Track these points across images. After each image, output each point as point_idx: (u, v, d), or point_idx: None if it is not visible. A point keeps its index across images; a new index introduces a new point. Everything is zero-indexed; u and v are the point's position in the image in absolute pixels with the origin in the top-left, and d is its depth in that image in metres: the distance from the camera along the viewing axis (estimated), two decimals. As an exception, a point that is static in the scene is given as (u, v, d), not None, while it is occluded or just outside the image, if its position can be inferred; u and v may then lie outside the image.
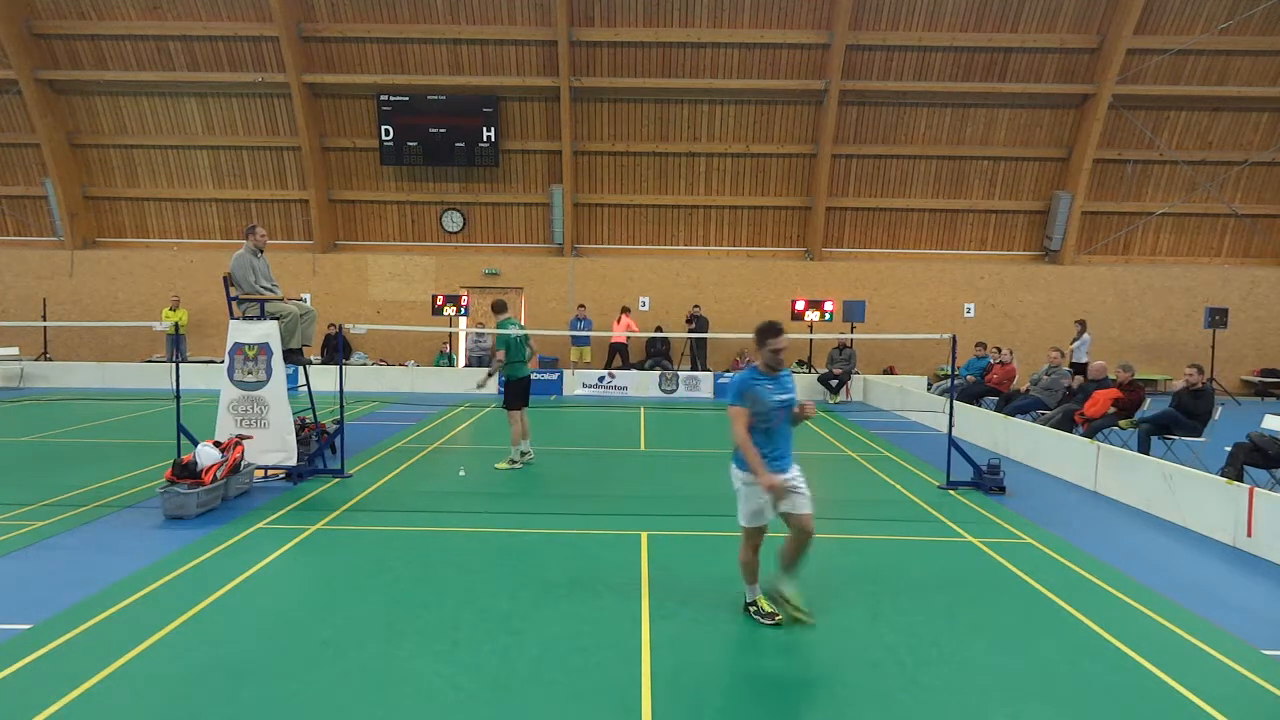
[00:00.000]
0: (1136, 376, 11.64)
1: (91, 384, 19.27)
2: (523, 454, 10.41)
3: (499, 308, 10.46)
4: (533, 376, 10.57)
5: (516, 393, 10.30)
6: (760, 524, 5.25)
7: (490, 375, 10.32)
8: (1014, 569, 6.58)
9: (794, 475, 5.22)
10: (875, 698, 4.36)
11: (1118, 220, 20.96)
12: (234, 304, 9.55)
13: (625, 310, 20.23)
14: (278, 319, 9.42)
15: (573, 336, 19.57)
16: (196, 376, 17.57)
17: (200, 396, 14.74)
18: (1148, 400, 11.52)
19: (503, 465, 10.29)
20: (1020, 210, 21.06)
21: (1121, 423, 10.99)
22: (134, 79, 20.08)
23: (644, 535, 7.30)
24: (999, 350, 15.84)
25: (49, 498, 8.35)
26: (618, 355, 20.17)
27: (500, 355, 10.19)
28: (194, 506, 7.66)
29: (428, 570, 6.36)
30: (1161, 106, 19.88)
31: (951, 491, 9.37)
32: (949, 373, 17.46)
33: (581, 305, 20.39)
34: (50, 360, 20.49)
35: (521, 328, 10.47)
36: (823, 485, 10.22)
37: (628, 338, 20.11)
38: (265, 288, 9.46)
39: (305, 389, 10.27)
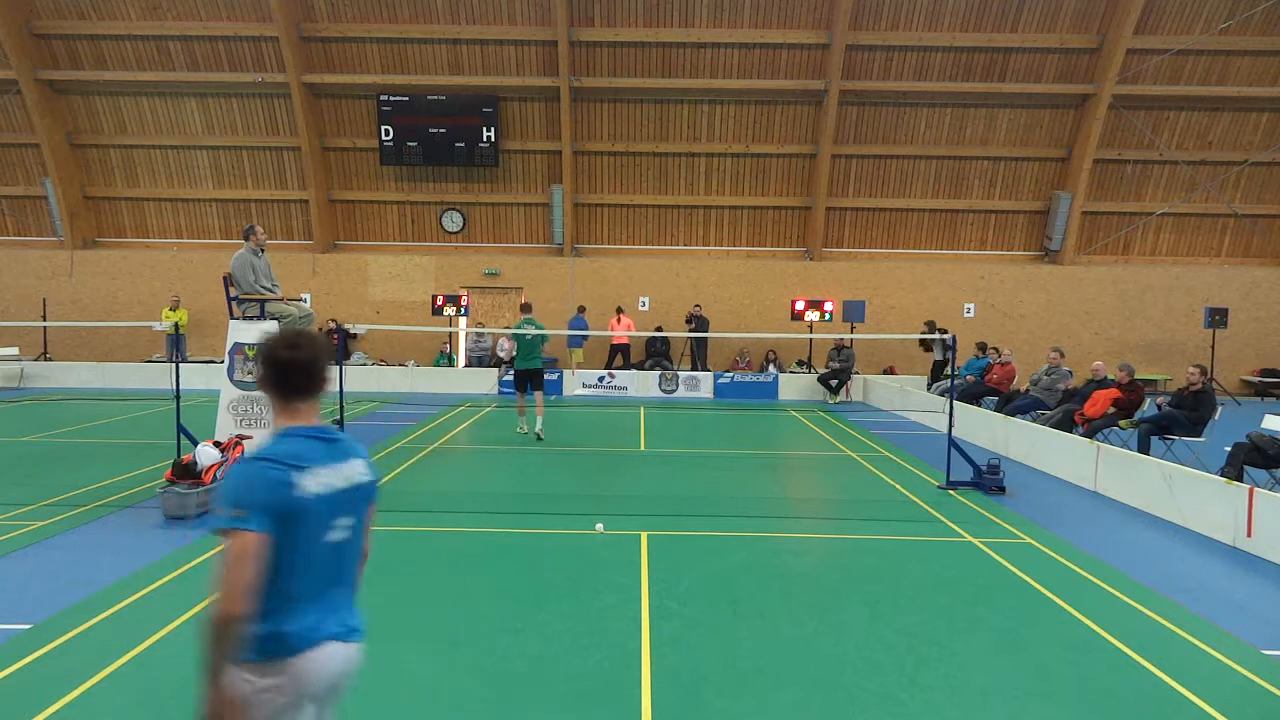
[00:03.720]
0: (1136, 376, 11.64)
1: (91, 384, 19.27)
2: (530, 431, 12.62)
3: (522, 309, 13.02)
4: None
5: (519, 377, 12.73)
6: None
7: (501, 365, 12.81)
8: (1014, 569, 6.58)
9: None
10: (875, 698, 4.36)
11: (1118, 220, 20.96)
12: (234, 304, 9.55)
13: (620, 311, 20.22)
14: (278, 319, 9.43)
15: (569, 338, 19.60)
16: (196, 376, 17.56)
17: (200, 396, 14.73)
18: (1147, 400, 11.52)
19: (518, 429, 12.82)
20: (1020, 210, 21.05)
21: (1121, 423, 10.99)
22: (134, 79, 20.08)
23: (644, 535, 7.30)
24: (998, 351, 15.84)
25: (49, 498, 8.35)
26: (619, 355, 20.17)
27: (509, 345, 12.69)
28: (194, 506, 7.66)
29: (428, 570, 6.36)
30: (1161, 106, 19.88)
31: (951, 491, 9.37)
32: (948, 373, 17.52)
33: (582, 307, 20.37)
34: (50, 360, 20.48)
35: (539, 328, 12.48)
36: (823, 485, 10.24)
37: (629, 338, 20.10)
38: (266, 287, 9.46)
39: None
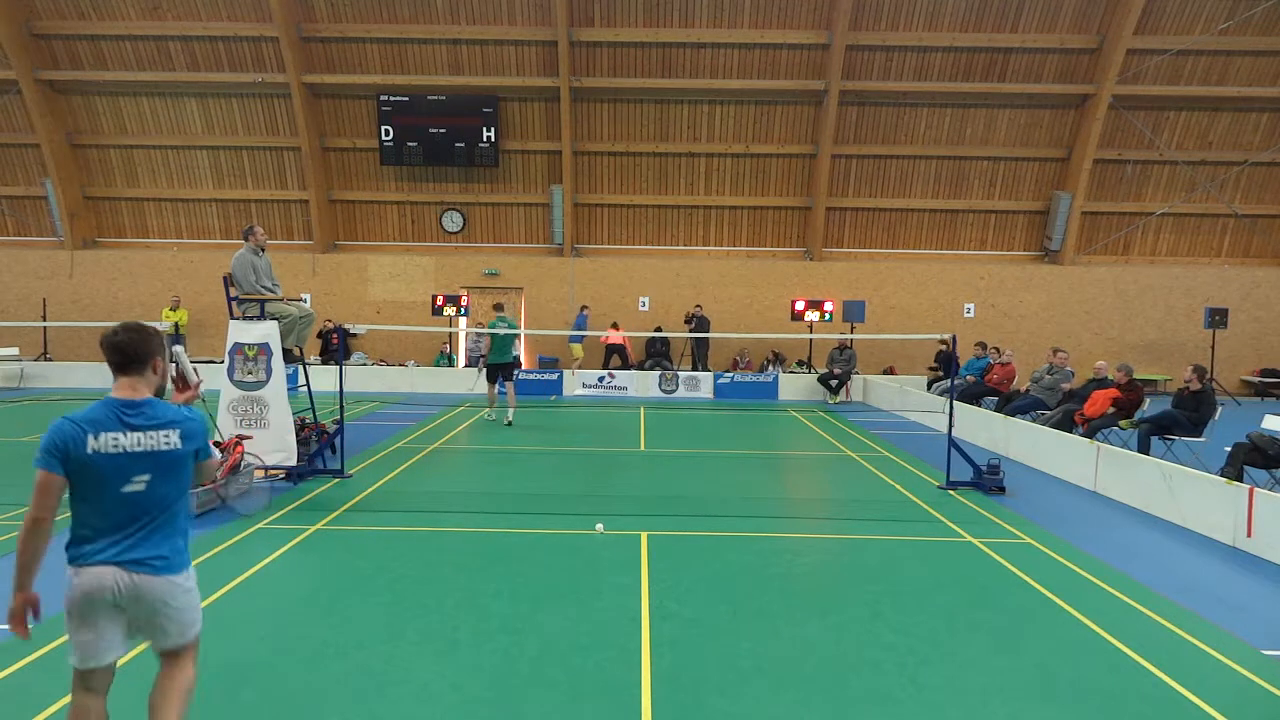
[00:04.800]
0: (1137, 377, 11.63)
1: (91, 384, 19.27)
2: (499, 418, 14.12)
3: (495, 308, 14.30)
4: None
5: (491, 370, 14.17)
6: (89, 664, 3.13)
7: (479, 369, 15.08)
8: (1014, 569, 6.58)
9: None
10: (875, 698, 4.36)
11: (1118, 220, 20.96)
12: (234, 304, 9.55)
13: (615, 325, 20.25)
14: (278, 319, 9.42)
15: (573, 336, 19.67)
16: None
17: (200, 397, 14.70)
18: (1147, 401, 11.52)
19: (487, 416, 14.52)
20: (1020, 210, 21.06)
21: (1122, 423, 10.99)
22: (134, 79, 20.08)
23: (644, 535, 7.30)
24: (998, 351, 15.83)
25: (49, 498, 8.33)
26: (615, 356, 20.22)
27: (485, 343, 14.71)
28: (194, 506, 7.65)
29: (428, 570, 6.36)
30: (1161, 106, 19.89)
31: (951, 491, 9.37)
32: (939, 373, 17.51)
33: (584, 306, 20.46)
34: (50, 360, 20.49)
35: (512, 326, 14.05)
36: (823, 485, 10.24)
37: (624, 338, 20.13)
38: (266, 287, 9.45)
39: (305, 389, 10.28)
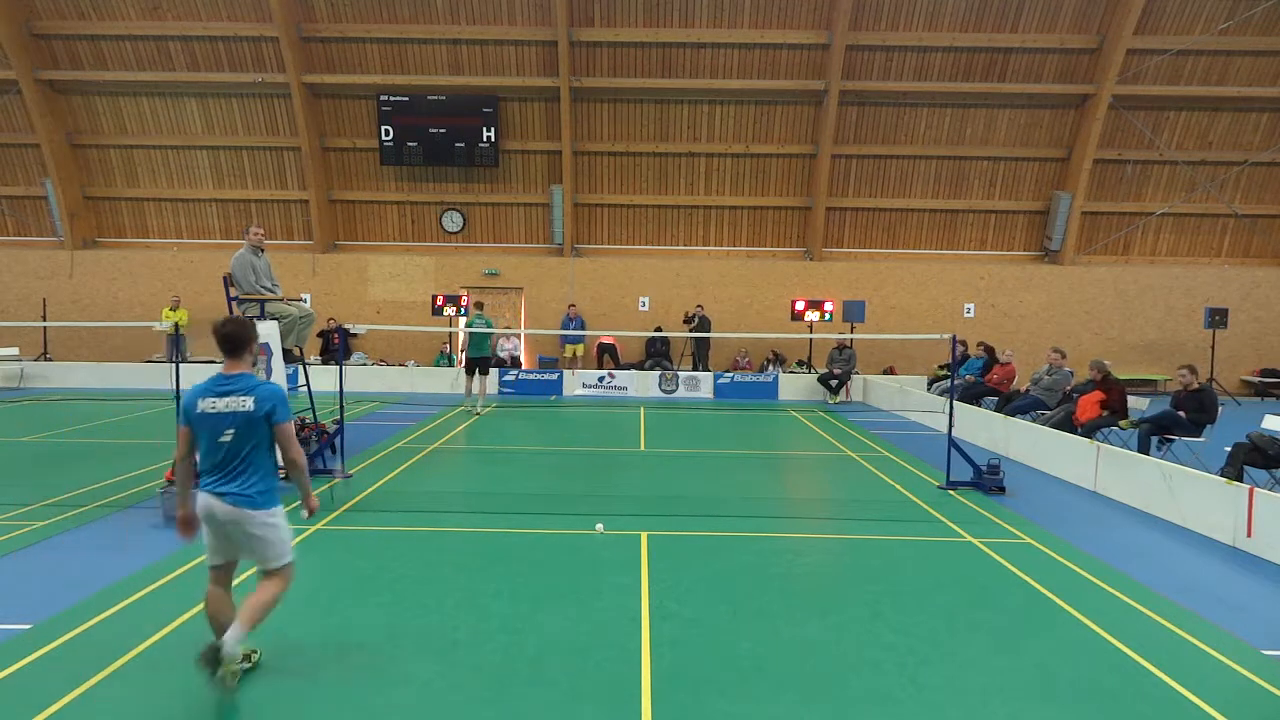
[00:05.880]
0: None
1: (91, 384, 19.27)
2: (474, 409, 15.24)
3: (475, 306, 15.94)
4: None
5: (469, 364, 15.26)
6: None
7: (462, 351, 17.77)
8: (1014, 569, 6.58)
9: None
10: (875, 698, 4.36)
11: (1118, 220, 20.96)
12: (234, 304, 9.54)
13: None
14: (278, 319, 9.42)
15: (565, 336, 19.77)
16: (197, 377, 17.34)
17: (200, 396, 14.69)
18: (1148, 402, 11.50)
19: (471, 410, 15.24)
20: (1020, 210, 21.05)
21: (1122, 423, 10.99)
22: (134, 79, 20.08)
23: (644, 535, 7.30)
24: (991, 351, 15.81)
25: (49, 498, 8.35)
26: (607, 355, 20.31)
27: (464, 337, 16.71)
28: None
29: (428, 570, 6.36)
30: (1161, 106, 19.88)
31: (951, 491, 9.37)
32: (945, 373, 17.46)
33: (572, 305, 20.58)
34: (50, 360, 20.48)
35: (489, 324, 15.15)
36: (823, 485, 10.24)
37: (614, 337, 20.21)
38: (266, 287, 9.45)
39: (305, 389, 10.28)
